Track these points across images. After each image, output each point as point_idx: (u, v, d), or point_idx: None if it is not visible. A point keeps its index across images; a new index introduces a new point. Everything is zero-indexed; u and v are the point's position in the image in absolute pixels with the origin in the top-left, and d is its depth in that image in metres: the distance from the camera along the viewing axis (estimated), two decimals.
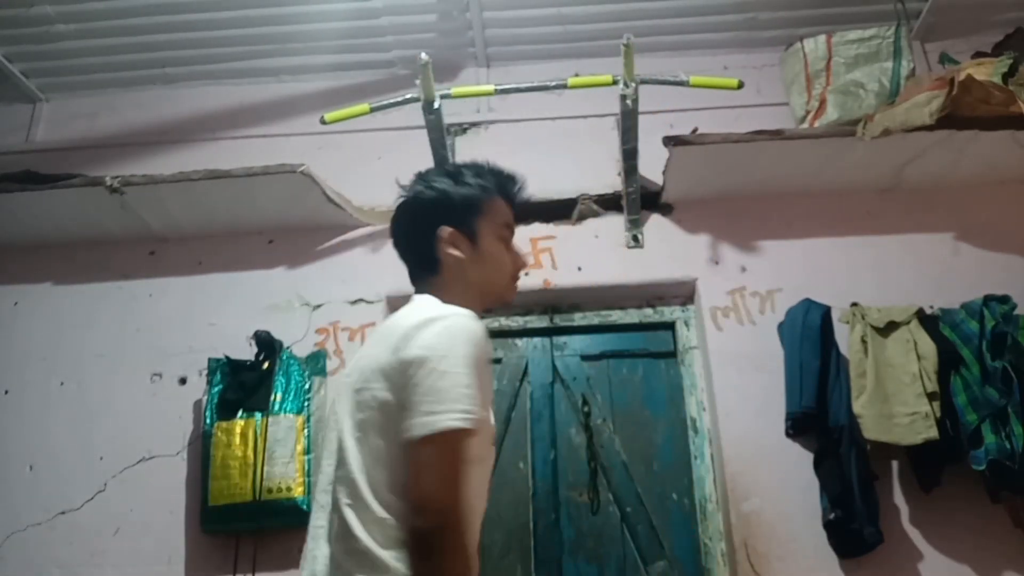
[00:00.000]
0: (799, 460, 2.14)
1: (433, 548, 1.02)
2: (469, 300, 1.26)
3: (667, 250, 2.47)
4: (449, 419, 1.07)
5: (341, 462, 1.16)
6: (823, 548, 2.05)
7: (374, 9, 2.66)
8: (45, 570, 2.20)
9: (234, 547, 2.13)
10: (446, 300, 1.24)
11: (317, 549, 1.16)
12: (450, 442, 1.07)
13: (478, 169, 1.38)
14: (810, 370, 2.11)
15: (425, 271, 1.32)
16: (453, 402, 1.08)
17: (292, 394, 2.22)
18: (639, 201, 2.47)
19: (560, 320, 2.53)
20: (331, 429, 1.24)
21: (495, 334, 2.43)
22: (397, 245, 1.40)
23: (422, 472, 1.05)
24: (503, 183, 1.38)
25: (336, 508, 1.14)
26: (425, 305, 1.23)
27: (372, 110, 2.27)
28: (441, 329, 1.14)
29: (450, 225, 1.31)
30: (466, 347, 1.12)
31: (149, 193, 2.35)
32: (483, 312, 1.27)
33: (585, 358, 2.48)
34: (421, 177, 1.41)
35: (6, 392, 2.45)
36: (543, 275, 2.46)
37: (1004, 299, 2.11)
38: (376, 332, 1.30)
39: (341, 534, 1.11)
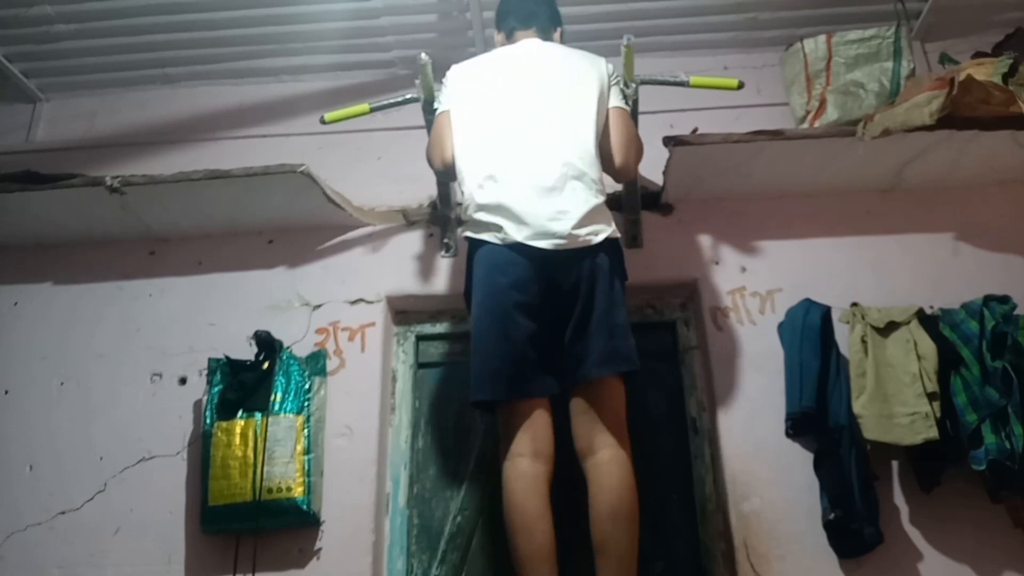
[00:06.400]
0: (799, 460, 2.14)
1: None
2: None
3: (667, 250, 2.47)
4: None
5: None
6: (823, 548, 2.05)
7: (374, 9, 2.66)
8: (45, 570, 2.20)
9: (234, 547, 2.13)
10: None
11: None
12: None
13: None
14: (810, 370, 2.11)
15: (552, 26, 2.14)
16: None
17: (292, 394, 2.22)
18: (639, 201, 2.47)
19: None
20: None
21: None
22: None
23: None
24: None
25: None
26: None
27: (372, 110, 2.27)
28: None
29: None
30: None
31: (149, 193, 2.35)
32: None
33: None
34: None
35: (6, 392, 2.45)
36: None
37: (1004, 299, 2.11)
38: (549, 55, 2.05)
39: None
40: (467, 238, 1.88)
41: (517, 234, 1.75)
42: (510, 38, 2.13)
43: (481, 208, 1.82)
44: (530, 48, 2.07)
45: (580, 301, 1.75)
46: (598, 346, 1.76)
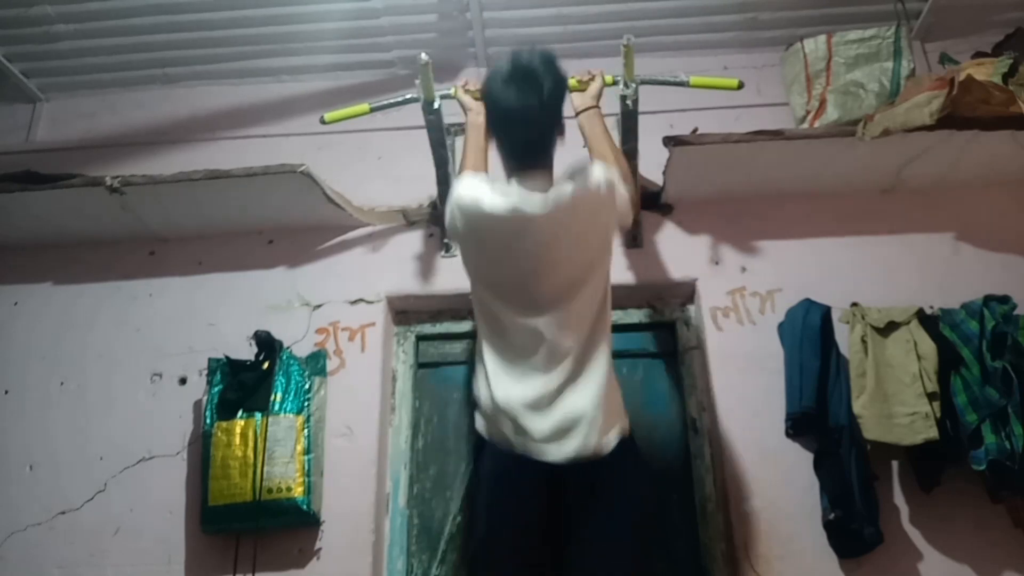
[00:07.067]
0: (799, 460, 2.14)
1: None
2: None
3: (667, 250, 2.47)
4: None
5: None
6: (823, 548, 2.05)
7: (374, 9, 2.66)
8: (45, 570, 2.20)
9: (234, 547, 2.13)
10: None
11: None
12: None
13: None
14: (810, 370, 2.11)
15: (547, 153, 1.80)
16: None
17: (292, 394, 2.22)
18: (639, 201, 2.47)
19: None
20: None
21: None
22: (535, 112, 1.74)
23: None
24: None
25: None
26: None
27: (372, 110, 2.27)
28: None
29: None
30: None
31: (149, 193, 2.35)
32: None
33: None
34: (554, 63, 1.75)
35: (6, 392, 2.45)
36: None
37: (1004, 299, 2.11)
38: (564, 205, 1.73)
39: None
40: (478, 431, 1.85)
41: (525, 446, 1.72)
42: (508, 177, 1.84)
43: (491, 411, 1.78)
44: (534, 206, 1.74)
45: (584, 513, 1.72)
46: (597, 571, 1.71)
